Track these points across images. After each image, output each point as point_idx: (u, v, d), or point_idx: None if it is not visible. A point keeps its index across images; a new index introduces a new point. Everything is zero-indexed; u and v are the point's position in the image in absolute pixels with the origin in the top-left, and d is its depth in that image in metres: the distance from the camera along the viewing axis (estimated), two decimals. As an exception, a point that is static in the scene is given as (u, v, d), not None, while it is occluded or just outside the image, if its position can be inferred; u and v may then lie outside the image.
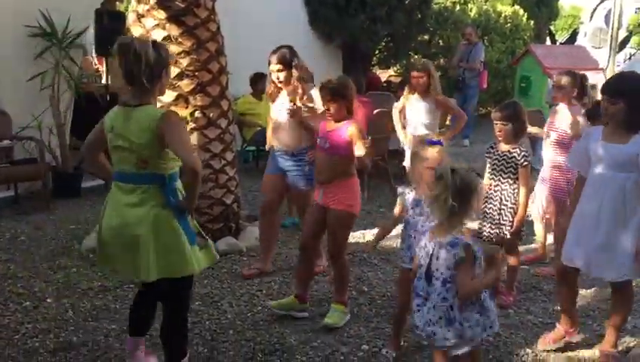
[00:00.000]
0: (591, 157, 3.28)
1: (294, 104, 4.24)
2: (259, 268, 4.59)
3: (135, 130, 2.72)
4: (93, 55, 8.67)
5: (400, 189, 3.41)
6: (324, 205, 3.71)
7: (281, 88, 4.43)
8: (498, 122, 3.95)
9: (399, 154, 8.01)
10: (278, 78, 4.36)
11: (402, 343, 3.51)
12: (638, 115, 3.11)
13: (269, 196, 4.62)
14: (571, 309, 3.55)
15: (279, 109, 4.42)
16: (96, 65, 8.84)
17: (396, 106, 5.84)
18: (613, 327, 3.38)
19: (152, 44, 2.76)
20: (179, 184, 2.87)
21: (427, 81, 5.34)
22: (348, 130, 3.64)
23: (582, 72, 5.48)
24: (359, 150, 3.60)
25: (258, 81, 8.20)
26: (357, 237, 5.51)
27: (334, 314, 3.77)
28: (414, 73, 5.43)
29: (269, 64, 4.38)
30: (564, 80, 4.86)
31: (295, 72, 4.33)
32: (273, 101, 4.54)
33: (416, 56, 12.68)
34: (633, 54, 16.03)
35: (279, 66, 4.32)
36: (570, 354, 3.50)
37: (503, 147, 3.98)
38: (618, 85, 3.25)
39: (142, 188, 2.77)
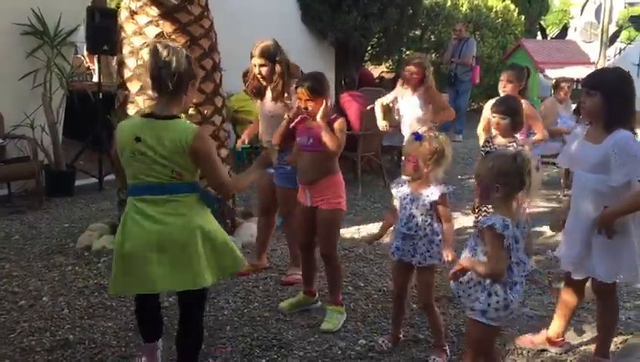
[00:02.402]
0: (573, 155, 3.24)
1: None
2: (254, 264, 4.59)
3: (168, 144, 2.64)
4: (85, 53, 8.65)
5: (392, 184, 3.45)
6: (313, 206, 3.69)
7: (264, 85, 4.30)
8: (496, 116, 3.98)
9: (393, 149, 8.06)
10: (260, 73, 4.22)
11: (401, 336, 3.53)
12: (613, 110, 3.01)
13: (266, 197, 4.53)
14: (562, 319, 3.44)
15: (268, 109, 4.33)
16: (87, 63, 8.80)
17: (384, 100, 5.82)
18: (601, 336, 3.31)
19: (186, 55, 2.72)
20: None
21: (421, 75, 5.34)
22: (333, 128, 3.57)
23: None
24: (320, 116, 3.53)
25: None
26: (352, 232, 5.53)
27: (331, 319, 3.73)
28: (409, 67, 5.42)
29: (251, 57, 4.25)
30: None
31: (278, 68, 4.20)
32: (255, 97, 4.43)
33: (409, 52, 12.71)
34: (623, 49, 16.09)
35: (261, 60, 4.18)
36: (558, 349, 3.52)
37: (500, 140, 4.01)
38: (596, 77, 3.22)
39: (178, 198, 2.72)
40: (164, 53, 2.66)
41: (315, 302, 3.98)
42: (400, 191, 3.32)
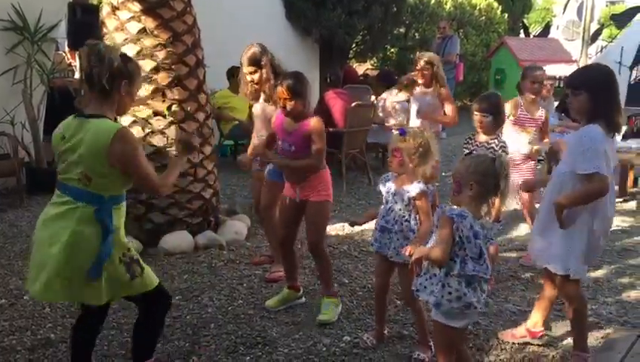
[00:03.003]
0: None
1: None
2: (270, 255, 4.65)
3: (86, 144, 2.52)
4: (66, 49, 8.55)
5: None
6: (303, 199, 3.71)
7: (257, 89, 4.39)
8: (478, 113, 3.99)
9: (378, 147, 8.07)
10: (252, 80, 4.33)
11: (385, 332, 3.54)
12: (598, 106, 3.03)
13: (258, 193, 4.57)
14: (542, 308, 3.49)
15: (260, 113, 4.40)
16: (68, 59, 8.71)
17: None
18: (575, 331, 3.33)
19: (121, 54, 2.64)
20: (122, 209, 2.68)
21: (431, 73, 5.35)
22: (309, 126, 3.60)
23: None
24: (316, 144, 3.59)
25: (234, 74, 8.15)
26: (337, 229, 5.53)
27: (328, 310, 3.76)
28: (420, 65, 5.40)
29: (241, 65, 4.36)
30: None
31: (264, 72, 4.26)
32: (252, 100, 4.51)
33: (393, 50, 12.73)
34: (605, 47, 16.26)
35: (251, 68, 4.29)
36: (548, 339, 3.55)
37: (482, 138, 4.03)
38: (579, 77, 3.25)
39: (75, 205, 2.56)
40: (97, 51, 2.56)
41: (300, 296, 3.99)
42: (386, 185, 3.35)
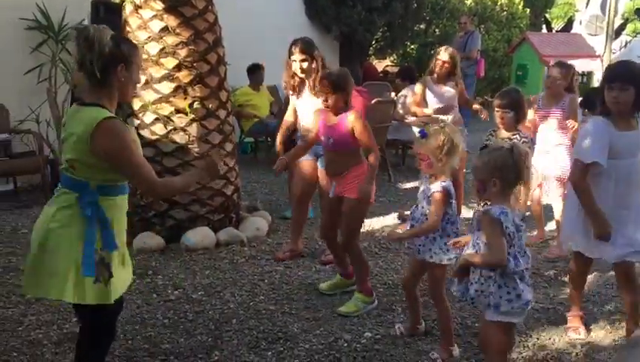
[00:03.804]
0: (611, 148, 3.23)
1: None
2: (292, 249, 4.75)
3: (75, 131, 2.41)
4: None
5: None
6: (338, 195, 3.77)
7: (302, 80, 4.46)
8: (499, 110, 3.96)
9: (398, 143, 8.05)
10: (300, 68, 4.39)
11: (420, 326, 3.54)
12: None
13: (304, 184, 4.67)
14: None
15: (307, 107, 4.42)
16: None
17: (414, 94, 5.83)
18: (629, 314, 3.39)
19: (112, 36, 2.45)
20: (115, 202, 2.52)
21: (450, 68, 5.38)
22: (348, 120, 3.65)
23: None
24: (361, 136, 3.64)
25: (255, 72, 8.20)
26: (357, 226, 5.53)
27: (352, 304, 3.83)
28: (442, 58, 5.42)
29: (290, 55, 4.42)
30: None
31: (315, 64, 4.37)
32: (294, 92, 4.56)
33: (413, 46, 12.67)
34: (629, 41, 16.01)
35: (303, 56, 4.36)
36: (569, 338, 3.52)
37: (504, 134, 4.00)
38: (629, 73, 3.22)
39: (64, 191, 2.47)
40: (85, 37, 2.40)
41: (353, 283, 4.04)
42: (424, 181, 3.34)
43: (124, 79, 2.49)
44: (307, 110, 4.41)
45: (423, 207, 3.23)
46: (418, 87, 5.76)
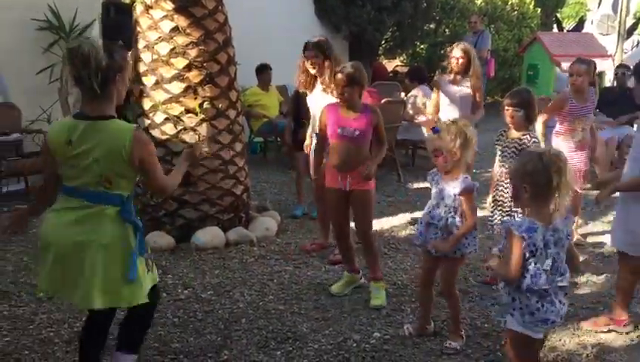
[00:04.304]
0: None
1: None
2: (320, 243, 4.86)
3: (103, 145, 2.48)
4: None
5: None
6: (351, 189, 3.85)
7: (315, 77, 4.54)
8: (510, 108, 3.94)
9: (407, 143, 8.04)
10: (312, 65, 4.50)
11: (429, 326, 3.55)
12: None
13: (321, 179, 4.64)
14: (624, 298, 3.60)
15: (318, 103, 4.47)
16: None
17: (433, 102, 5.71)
18: None
19: (103, 47, 2.49)
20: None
21: (466, 63, 5.29)
22: (372, 113, 3.83)
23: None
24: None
25: (262, 72, 8.21)
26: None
27: (379, 295, 3.92)
28: (456, 54, 5.32)
29: (304, 51, 4.54)
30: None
31: (328, 62, 4.46)
32: (306, 89, 4.69)
33: (423, 46, 12.63)
34: (641, 41, 15.89)
35: (315, 53, 4.48)
36: (579, 339, 3.50)
37: (514, 134, 3.98)
38: None
39: (98, 208, 2.53)
40: (80, 55, 2.42)
41: (360, 278, 4.17)
42: (435, 179, 3.39)
43: (119, 87, 2.58)
44: (318, 107, 4.46)
45: (446, 206, 3.28)
46: (434, 95, 5.62)
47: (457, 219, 3.26)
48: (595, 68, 5.13)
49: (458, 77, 5.34)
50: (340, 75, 3.75)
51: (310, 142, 4.88)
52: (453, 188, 3.25)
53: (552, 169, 2.48)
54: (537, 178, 2.50)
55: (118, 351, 2.89)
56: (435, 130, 3.26)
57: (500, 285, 2.67)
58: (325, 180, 4.09)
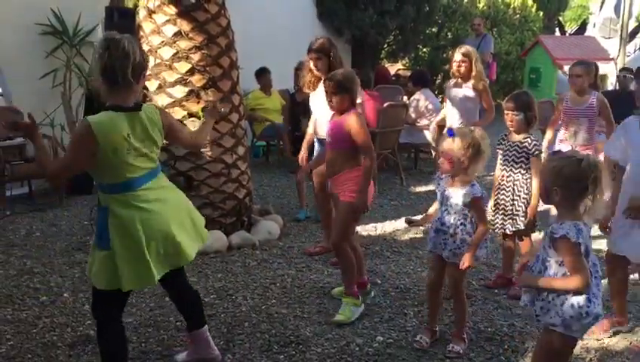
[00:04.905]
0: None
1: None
2: (324, 246, 4.83)
3: (152, 130, 2.73)
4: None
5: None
6: (332, 193, 3.80)
7: (319, 77, 4.56)
8: (510, 112, 3.95)
9: (410, 147, 8.04)
10: (316, 66, 4.52)
11: (437, 329, 3.54)
12: None
13: (320, 180, 4.69)
14: (621, 299, 3.61)
15: (319, 102, 4.49)
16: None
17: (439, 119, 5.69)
18: None
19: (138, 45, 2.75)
20: None
21: (469, 66, 5.28)
22: (346, 122, 3.60)
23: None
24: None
25: (262, 75, 8.23)
26: (369, 230, 5.53)
27: (345, 310, 3.77)
28: (457, 58, 5.33)
29: (308, 52, 4.56)
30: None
31: (332, 63, 4.46)
32: (310, 89, 4.70)
33: (425, 50, 12.64)
34: (644, 44, 15.89)
35: (317, 54, 4.50)
36: (583, 343, 3.49)
37: (515, 137, 3.98)
38: None
39: (161, 177, 2.87)
40: (122, 45, 2.60)
41: (368, 292, 4.06)
42: (440, 186, 3.36)
43: (143, 83, 2.80)
44: (319, 107, 4.51)
45: (456, 213, 3.24)
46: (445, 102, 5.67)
47: (469, 226, 3.24)
48: (597, 70, 5.11)
49: (460, 80, 5.36)
50: (328, 82, 3.64)
51: (306, 153, 4.85)
52: (461, 196, 3.21)
53: (588, 178, 2.42)
54: (571, 184, 2.44)
55: (199, 329, 3.17)
56: (449, 133, 3.22)
57: (544, 295, 2.51)
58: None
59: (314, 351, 3.40)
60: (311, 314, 3.86)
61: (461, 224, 3.24)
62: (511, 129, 4.01)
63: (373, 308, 3.94)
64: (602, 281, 2.61)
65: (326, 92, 3.69)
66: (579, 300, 2.43)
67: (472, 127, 3.33)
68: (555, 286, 2.47)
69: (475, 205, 3.22)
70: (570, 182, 2.44)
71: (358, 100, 3.97)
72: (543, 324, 2.56)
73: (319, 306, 3.97)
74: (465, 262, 3.20)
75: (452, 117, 5.45)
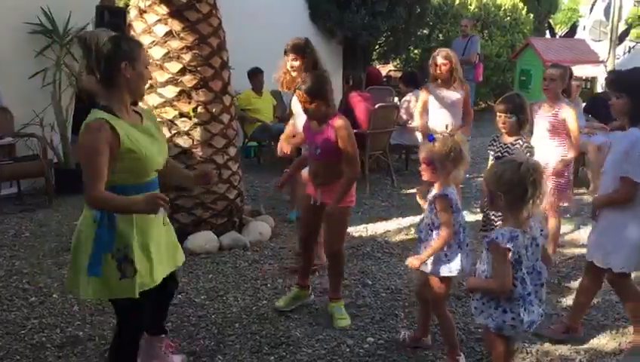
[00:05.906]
0: None
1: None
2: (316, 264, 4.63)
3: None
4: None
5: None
6: (323, 203, 3.67)
7: (295, 77, 4.49)
8: (502, 114, 3.95)
9: (401, 148, 8.05)
10: (292, 67, 4.47)
11: (426, 339, 3.48)
12: (638, 109, 3.14)
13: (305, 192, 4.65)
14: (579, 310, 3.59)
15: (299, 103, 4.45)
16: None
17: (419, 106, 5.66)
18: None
19: (112, 36, 2.52)
20: None
21: (450, 67, 5.30)
22: (333, 128, 3.50)
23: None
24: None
25: (254, 76, 8.22)
26: (360, 231, 5.54)
27: (342, 313, 3.77)
28: (437, 62, 5.33)
29: (285, 54, 4.51)
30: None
31: (305, 62, 4.41)
32: (287, 89, 4.64)
33: (416, 51, 12.66)
34: (633, 47, 15.98)
35: (293, 55, 4.46)
36: (573, 345, 3.51)
37: (507, 139, 3.99)
38: (622, 81, 3.27)
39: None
40: (83, 42, 2.50)
41: (309, 295, 4.01)
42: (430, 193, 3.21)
43: (130, 76, 2.49)
44: (298, 107, 4.40)
45: (426, 217, 3.15)
46: (422, 95, 5.60)
47: (435, 232, 3.07)
48: (571, 76, 4.99)
49: (440, 82, 5.39)
50: (298, 92, 3.52)
51: (288, 148, 4.73)
52: (431, 195, 3.12)
53: (527, 181, 2.50)
54: (513, 188, 2.53)
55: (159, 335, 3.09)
56: (430, 138, 3.11)
57: (478, 296, 2.67)
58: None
59: (304, 352, 3.40)
60: (302, 315, 3.85)
61: (429, 229, 3.10)
62: (503, 131, 4.02)
63: (364, 309, 3.95)
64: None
65: (300, 102, 3.61)
66: (512, 307, 2.57)
67: (452, 131, 3.23)
68: (480, 287, 2.65)
69: (438, 204, 3.03)
70: (511, 186, 2.53)
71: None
72: (479, 323, 2.72)
73: (310, 307, 3.96)
74: (413, 261, 3.08)
75: (440, 117, 5.41)
